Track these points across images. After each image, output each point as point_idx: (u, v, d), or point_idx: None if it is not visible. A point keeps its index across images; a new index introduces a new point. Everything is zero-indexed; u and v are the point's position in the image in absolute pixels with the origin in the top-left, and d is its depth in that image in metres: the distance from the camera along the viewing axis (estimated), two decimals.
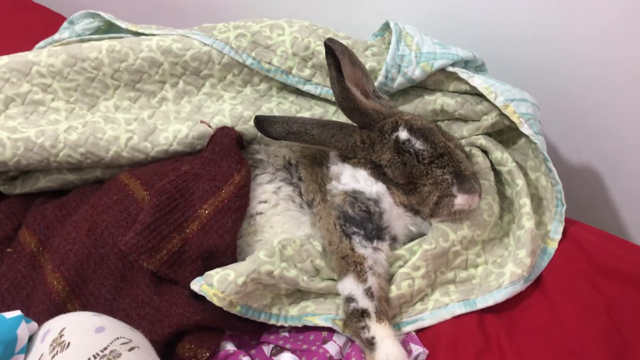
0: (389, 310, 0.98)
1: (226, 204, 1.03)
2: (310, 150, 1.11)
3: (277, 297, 1.00)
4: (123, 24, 1.22)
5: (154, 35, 1.17)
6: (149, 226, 0.97)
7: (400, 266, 1.01)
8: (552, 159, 1.08)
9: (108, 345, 0.75)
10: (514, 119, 1.08)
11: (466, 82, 1.12)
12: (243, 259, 1.00)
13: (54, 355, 0.74)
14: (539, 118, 1.13)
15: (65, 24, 1.28)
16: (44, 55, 1.12)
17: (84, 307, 0.95)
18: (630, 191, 1.29)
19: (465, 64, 1.16)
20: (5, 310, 0.82)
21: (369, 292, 0.96)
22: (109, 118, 1.12)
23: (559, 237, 1.07)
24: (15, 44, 1.29)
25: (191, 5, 1.71)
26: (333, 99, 1.14)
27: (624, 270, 0.99)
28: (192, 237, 0.99)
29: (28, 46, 1.24)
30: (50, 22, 1.58)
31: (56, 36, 1.27)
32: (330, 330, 0.98)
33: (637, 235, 1.32)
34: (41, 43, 1.27)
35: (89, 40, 1.20)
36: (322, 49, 1.12)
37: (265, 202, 1.08)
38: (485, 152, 1.15)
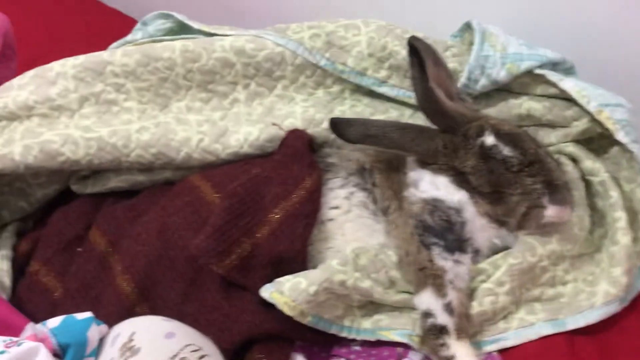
0: (470, 328, 0.91)
1: (297, 208, 0.99)
2: (385, 155, 1.06)
3: (349, 309, 0.95)
4: (196, 25, 1.20)
5: (226, 35, 1.15)
6: (219, 229, 0.94)
7: (483, 281, 0.95)
8: None
9: (179, 352, 0.73)
10: (609, 125, 1.00)
11: (555, 86, 1.05)
12: (313, 267, 0.96)
13: (124, 359, 0.72)
14: (635, 125, 1.04)
15: (138, 25, 1.28)
16: (118, 55, 1.12)
17: (153, 310, 0.94)
18: None
19: (554, 66, 1.09)
20: (74, 311, 0.81)
21: (448, 308, 0.90)
22: (181, 119, 1.11)
23: None
24: (88, 47, 1.30)
25: (263, 7, 1.69)
26: (409, 101, 1.09)
27: None
28: (262, 242, 0.96)
29: (101, 49, 1.25)
30: (123, 25, 1.60)
31: (129, 37, 1.27)
32: (406, 347, 0.92)
33: None
34: (115, 44, 1.27)
35: (161, 40, 1.19)
36: (400, 50, 1.07)
37: (336, 207, 1.04)
38: (574, 160, 1.07)
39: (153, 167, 1.10)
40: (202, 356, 0.76)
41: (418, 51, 0.95)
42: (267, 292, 0.90)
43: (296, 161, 1.05)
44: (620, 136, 0.99)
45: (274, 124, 1.09)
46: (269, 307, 0.90)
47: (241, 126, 1.10)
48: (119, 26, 1.62)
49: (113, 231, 1.03)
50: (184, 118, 1.11)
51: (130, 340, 0.75)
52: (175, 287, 0.95)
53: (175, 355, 0.73)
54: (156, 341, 0.74)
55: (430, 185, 0.99)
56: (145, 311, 0.93)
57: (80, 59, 1.12)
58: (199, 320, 0.92)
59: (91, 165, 1.07)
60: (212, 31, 1.18)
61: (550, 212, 0.92)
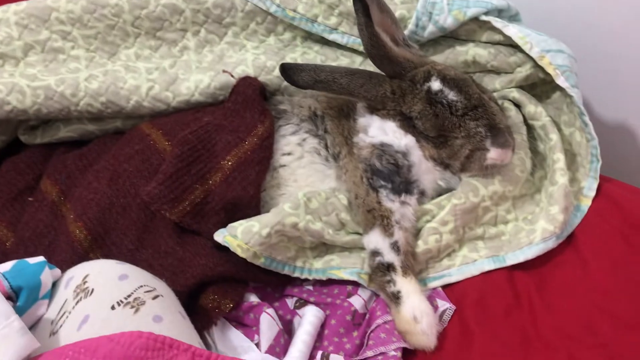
0: (416, 265, 0.95)
1: (249, 155, 1.01)
2: (337, 101, 1.07)
3: (301, 250, 0.98)
4: None
5: None
6: (172, 176, 0.95)
7: (428, 221, 0.99)
8: (587, 114, 1.03)
9: (132, 293, 0.74)
10: (550, 70, 1.03)
11: (500, 32, 1.07)
12: (267, 212, 0.98)
13: (77, 301, 0.74)
14: (576, 71, 1.08)
15: None
16: (62, 1, 1.09)
17: (107, 257, 0.93)
18: None
19: (499, 13, 1.11)
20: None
21: (395, 246, 0.93)
22: (130, 67, 1.09)
23: (593, 193, 1.04)
24: None
25: None
26: (360, 49, 1.10)
27: None
28: (215, 189, 0.97)
29: None
30: None
31: None
32: (355, 284, 0.96)
33: None
34: None
35: None
36: None
37: (289, 154, 1.05)
38: (517, 105, 1.11)
39: (103, 116, 1.09)
40: (156, 296, 0.77)
41: None
42: (221, 235, 0.92)
43: (248, 108, 1.05)
44: (560, 81, 1.03)
45: (224, 72, 1.09)
46: (223, 250, 0.92)
47: (191, 74, 1.09)
48: None
49: (64, 180, 1.03)
50: (133, 66, 1.10)
51: (84, 282, 0.75)
52: (128, 233, 0.96)
53: (129, 296, 0.74)
54: (109, 282, 0.75)
55: (379, 131, 1.01)
56: (99, 258, 0.93)
57: (23, 4, 1.09)
58: (153, 265, 0.94)
59: (39, 114, 1.06)
60: None
61: (493, 154, 0.95)
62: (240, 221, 0.94)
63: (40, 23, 1.08)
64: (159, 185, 0.95)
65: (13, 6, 1.07)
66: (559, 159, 1.03)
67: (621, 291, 0.90)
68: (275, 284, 0.98)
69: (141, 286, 0.77)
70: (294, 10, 1.10)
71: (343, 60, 1.13)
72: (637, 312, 0.87)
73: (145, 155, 1.00)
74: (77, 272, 0.78)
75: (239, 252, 0.90)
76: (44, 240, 0.97)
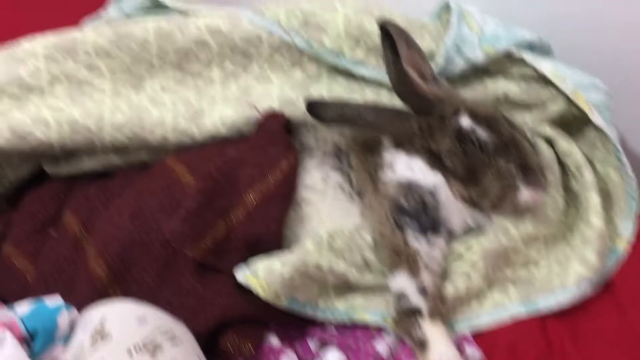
0: (443, 310, 0.92)
1: (273, 190, 0.99)
2: (362, 137, 1.05)
3: (323, 290, 0.95)
4: (169, 2, 1.18)
5: (201, 14, 1.13)
6: (194, 212, 0.94)
7: (457, 263, 0.96)
8: (623, 152, 1.00)
9: (149, 335, 0.73)
10: (584, 106, 1.00)
11: (531, 67, 1.04)
12: (288, 248, 0.95)
13: (94, 344, 0.72)
14: (611, 107, 1.05)
15: (112, 2, 1.25)
16: (90, 33, 1.09)
17: (126, 294, 0.92)
18: None
19: (530, 47, 1.08)
20: (47, 294, 0.81)
21: (422, 289, 0.90)
22: (155, 100, 1.09)
23: (629, 235, 1.00)
24: (59, 24, 1.27)
25: None
26: (386, 82, 1.08)
27: None
28: (237, 225, 0.95)
29: (73, 25, 1.22)
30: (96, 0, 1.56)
31: (102, 14, 1.25)
32: (379, 328, 0.93)
33: None
34: (87, 21, 1.25)
35: (135, 19, 1.17)
36: (376, 30, 1.05)
37: (312, 189, 1.03)
38: (550, 142, 1.07)
39: (127, 148, 1.09)
40: (173, 337, 0.75)
41: (390, 34, 0.93)
42: (242, 274, 0.90)
43: (272, 143, 1.04)
44: (595, 117, 1.00)
45: (249, 104, 1.08)
46: (244, 290, 0.90)
47: (216, 106, 1.08)
48: (91, 1, 1.58)
49: (86, 213, 1.02)
50: (158, 98, 1.09)
51: (102, 325, 0.74)
52: (149, 270, 0.94)
53: (145, 338, 0.72)
54: (127, 326, 0.74)
55: (405, 167, 0.98)
56: (118, 294, 0.92)
57: (52, 37, 1.09)
58: (173, 303, 0.92)
59: (64, 146, 1.06)
60: (187, 9, 1.16)
61: (524, 194, 0.92)
62: (262, 259, 0.92)
63: (67, 55, 1.08)
64: (180, 222, 0.93)
65: (41, 39, 1.08)
66: (593, 198, 1.00)
67: None
68: (296, 325, 0.95)
69: (160, 330, 0.75)
70: (320, 43, 1.09)
71: (369, 94, 1.11)
72: None
73: (168, 191, 0.99)
74: (95, 314, 0.77)
75: (261, 293, 0.88)
76: (64, 275, 0.96)
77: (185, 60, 1.11)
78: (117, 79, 1.11)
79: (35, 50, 1.07)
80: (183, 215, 0.93)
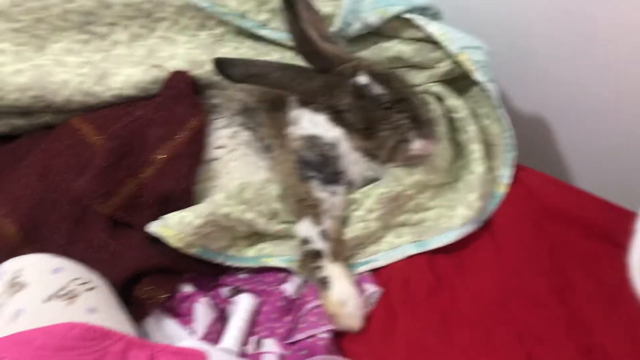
0: (343, 252, 1.00)
1: (182, 148, 1.02)
2: (269, 95, 1.10)
3: (234, 240, 1.01)
4: None
5: None
6: (103, 170, 0.96)
7: (355, 209, 1.04)
8: (504, 107, 1.11)
9: (66, 285, 0.76)
10: (468, 66, 1.09)
11: (422, 29, 1.13)
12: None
13: (10, 295, 0.74)
14: (492, 66, 1.15)
15: None
16: None
17: (39, 252, 0.94)
18: (574, 137, 1.34)
19: (422, 11, 1.16)
20: None
21: (324, 234, 0.98)
22: (59, 61, 1.08)
23: (507, 181, 1.11)
24: None
25: None
26: (290, 44, 1.13)
27: (566, 211, 1.04)
28: (147, 182, 0.99)
29: None
30: None
31: None
32: (288, 272, 1.00)
33: (578, 179, 1.38)
34: None
35: None
36: None
37: (221, 147, 1.08)
38: (439, 99, 1.17)
39: (32, 110, 1.08)
40: (91, 288, 0.79)
41: None
42: (154, 227, 0.94)
43: (180, 102, 1.07)
44: (478, 76, 1.09)
45: (155, 66, 1.10)
46: (156, 242, 0.94)
47: (122, 68, 1.10)
48: None
49: None
50: (63, 60, 1.09)
51: (17, 276, 0.76)
52: (60, 228, 0.96)
53: (62, 288, 0.75)
54: (44, 276, 0.76)
55: (310, 123, 1.05)
56: (31, 253, 0.93)
57: None
58: (85, 259, 0.93)
59: None
60: None
61: (416, 145, 1.01)
62: (173, 213, 0.96)
63: None
64: (90, 179, 0.95)
65: None
66: (476, 149, 1.10)
67: (530, 271, 0.97)
68: (209, 274, 1.00)
69: (76, 278, 0.78)
70: (225, 6, 1.12)
71: (274, 55, 1.16)
72: (544, 291, 0.95)
73: (75, 150, 1.01)
74: (10, 266, 0.79)
75: (172, 243, 0.92)
76: None
77: (89, 22, 1.11)
78: (19, 41, 1.09)
79: None
80: (93, 173, 0.96)
